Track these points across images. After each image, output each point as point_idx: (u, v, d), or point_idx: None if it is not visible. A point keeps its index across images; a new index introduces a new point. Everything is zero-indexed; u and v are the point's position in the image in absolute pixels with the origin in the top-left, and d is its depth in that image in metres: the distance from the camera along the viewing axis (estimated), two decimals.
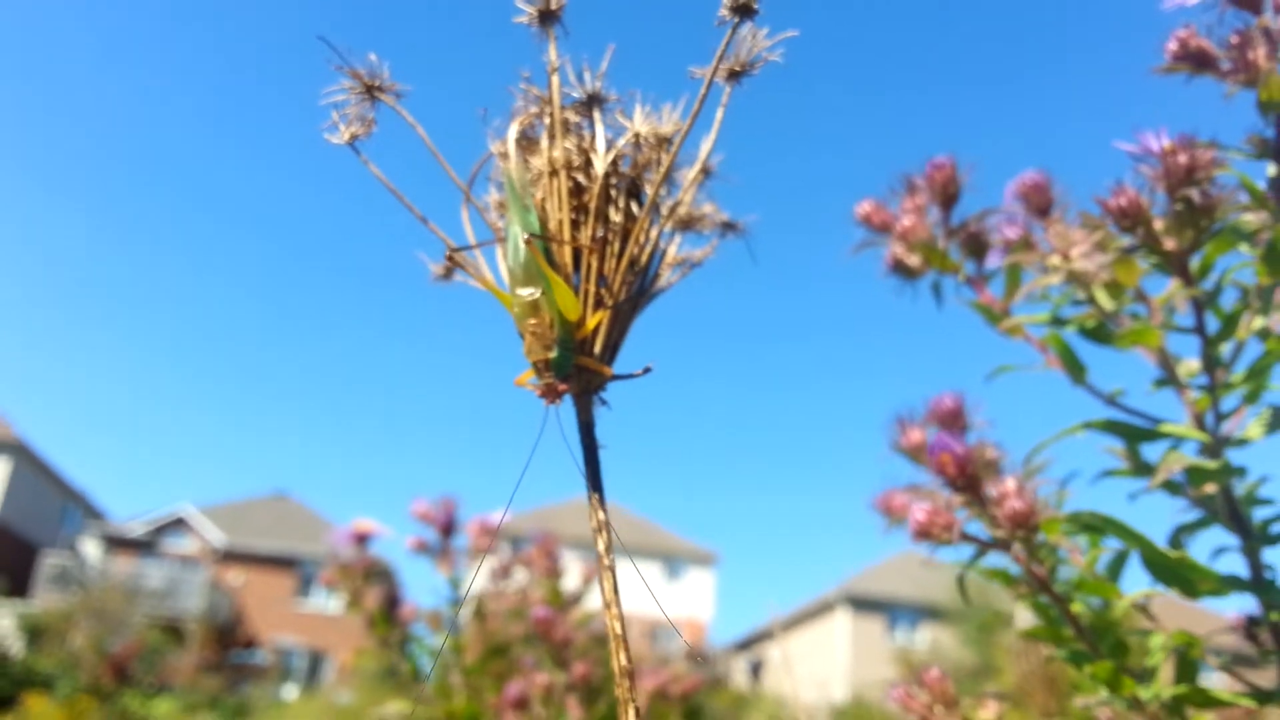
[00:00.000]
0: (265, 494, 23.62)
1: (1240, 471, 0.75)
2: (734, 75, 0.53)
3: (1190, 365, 0.81)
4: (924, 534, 0.79)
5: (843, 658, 20.29)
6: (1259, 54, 0.69)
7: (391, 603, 1.83)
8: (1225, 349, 0.74)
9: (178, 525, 21.51)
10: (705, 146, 0.56)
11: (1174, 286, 0.80)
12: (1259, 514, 0.79)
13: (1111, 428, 0.82)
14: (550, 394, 0.51)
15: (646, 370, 0.54)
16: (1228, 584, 0.76)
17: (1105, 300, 0.83)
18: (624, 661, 0.48)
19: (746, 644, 24.34)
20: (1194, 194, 0.67)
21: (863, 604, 20.98)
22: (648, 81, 0.59)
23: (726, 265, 0.64)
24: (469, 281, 0.61)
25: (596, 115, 0.57)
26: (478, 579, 1.74)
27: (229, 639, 20.35)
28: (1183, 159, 0.68)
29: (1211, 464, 0.72)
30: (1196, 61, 0.73)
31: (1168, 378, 0.81)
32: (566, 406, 0.53)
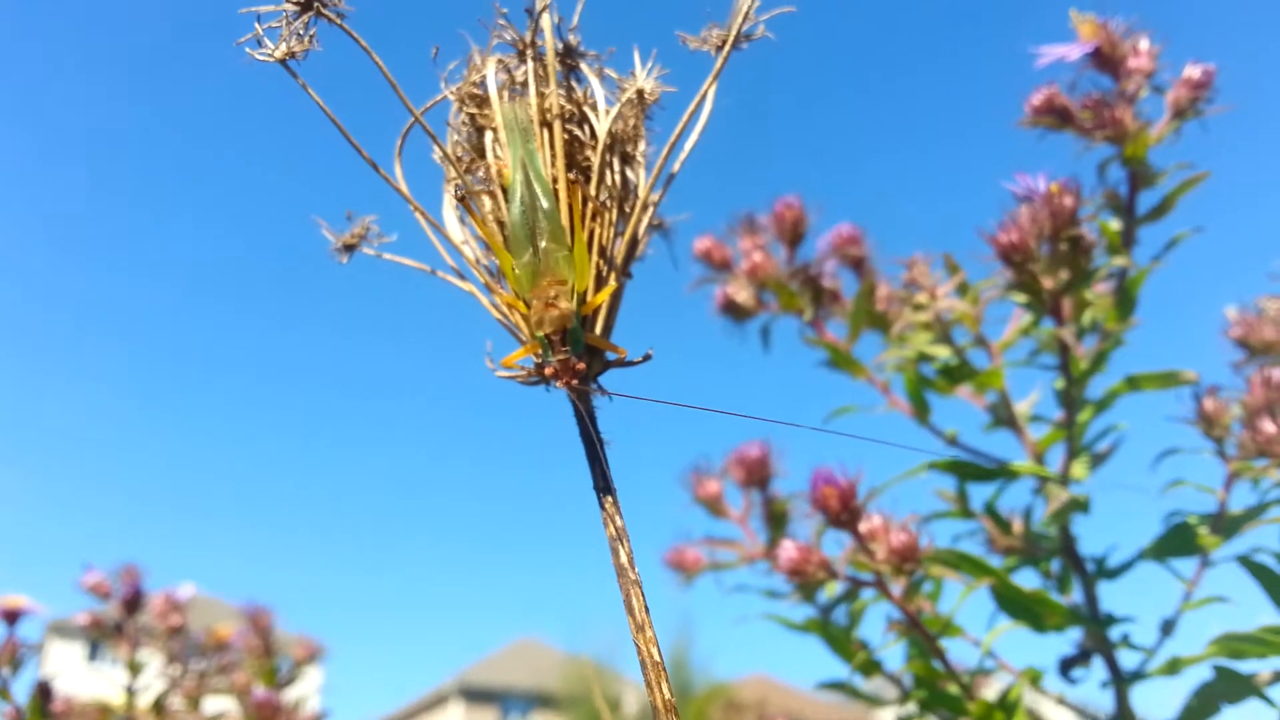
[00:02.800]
0: None
1: (1086, 507, 0.79)
2: (721, 47, 0.48)
3: (1024, 407, 0.85)
4: (797, 573, 0.76)
5: None
6: (1126, 113, 0.74)
7: (45, 694, 1.53)
8: (1082, 390, 0.78)
9: None
10: (698, 123, 0.50)
11: (1015, 328, 0.84)
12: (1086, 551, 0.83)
13: (956, 468, 0.84)
14: (565, 373, 0.42)
15: (648, 357, 0.46)
16: (1071, 618, 0.78)
17: (943, 346, 0.85)
18: (666, 695, 0.39)
19: None
20: (1084, 233, 0.70)
21: (476, 695, 20.70)
22: (603, 41, 0.53)
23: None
24: (380, 255, 0.51)
25: (585, 67, 0.50)
26: (157, 663, 1.49)
27: None
28: (1069, 201, 0.71)
29: (1081, 497, 0.75)
30: (1060, 117, 0.77)
31: (1005, 418, 0.84)
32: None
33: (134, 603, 1.49)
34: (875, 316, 0.91)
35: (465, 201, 0.44)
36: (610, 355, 0.45)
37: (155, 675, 1.53)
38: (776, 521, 1.03)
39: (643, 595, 0.41)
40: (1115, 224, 0.78)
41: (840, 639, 0.90)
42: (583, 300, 0.44)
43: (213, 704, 1.63)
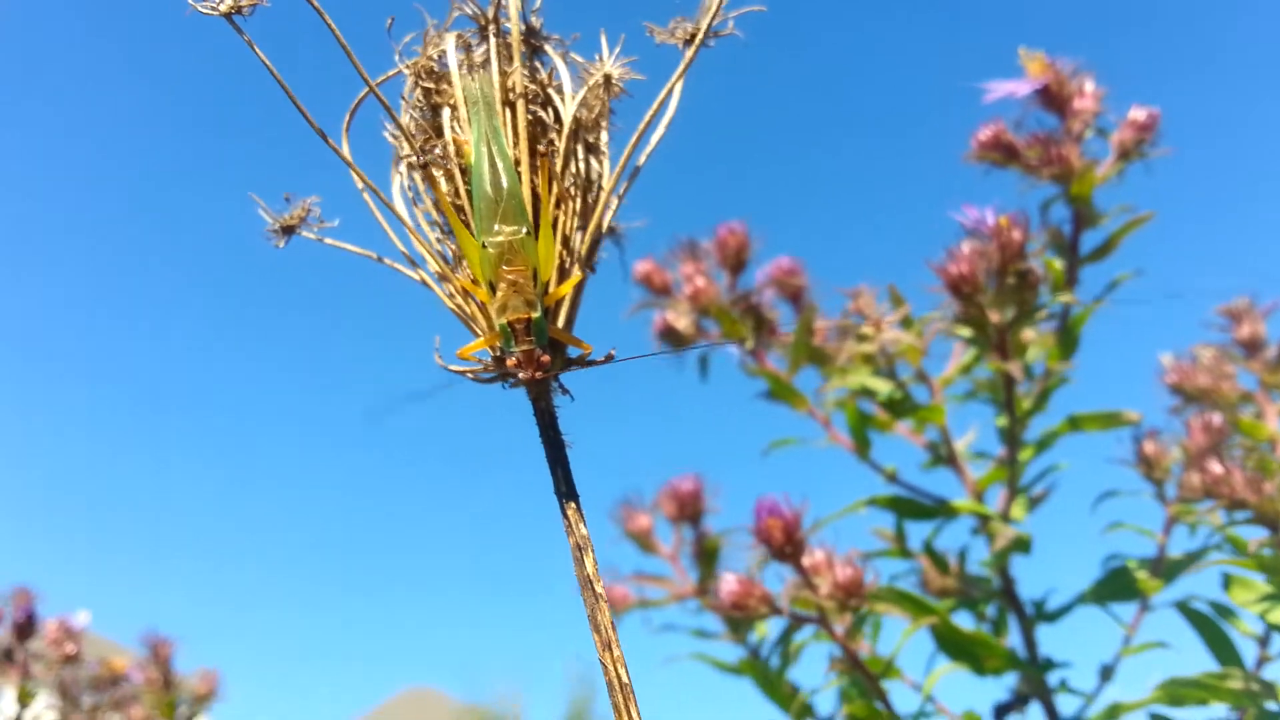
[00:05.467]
0: None
1: (1028, 547, 0.77)
2: (689, 41, 0.46)
3: (963, 445, 0.84)
4: (739, 607, 0.73)
5: None
6: (1072, 152, 0.74)
7: None
8: (1027, 428, 0.77)
9: None
10: (664, 118, 0.47)
11: (957, 365, 0.83)
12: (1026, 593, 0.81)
13: (895, 505, 0.82)
14: (529, 365, 0.38)
15: (610, 357, 0.43)
16: (1011, 661, 0.77)
17: (885, 380, 0.83)
18: (635, 719, 0.36)
19: None
20: (1032, 268, 0.69)
21: None
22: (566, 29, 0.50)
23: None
24: (323, 240, 0.47)
25: (549, 49, 0.47)
26: (45, 696, 1.39)
27: None
28: (1017, 235, 0.70)
29: (1024, 536, 0.73)
30: (1006, 153, 0.77)
31: (945, 456, 0.83)
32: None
33: (27, 628, 1.39)
34: (814, 350, 0.89)
35: (428, 170, 0.41)
36: (573, 351, 0.42)
37: (45, 707, 1.43)
38: (707, 559, 1.00)
39: (608, 612, 0.38)
40: (1059, 263, 0.78)
41: (774, 681, 0.87)
42: (545, 290, 0.41)
43: None
